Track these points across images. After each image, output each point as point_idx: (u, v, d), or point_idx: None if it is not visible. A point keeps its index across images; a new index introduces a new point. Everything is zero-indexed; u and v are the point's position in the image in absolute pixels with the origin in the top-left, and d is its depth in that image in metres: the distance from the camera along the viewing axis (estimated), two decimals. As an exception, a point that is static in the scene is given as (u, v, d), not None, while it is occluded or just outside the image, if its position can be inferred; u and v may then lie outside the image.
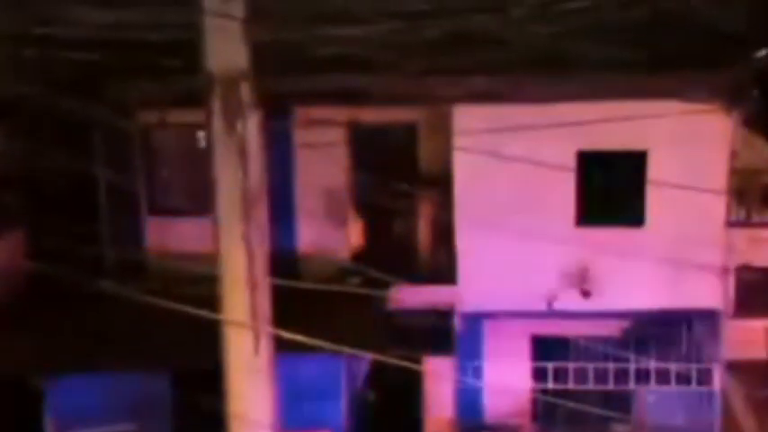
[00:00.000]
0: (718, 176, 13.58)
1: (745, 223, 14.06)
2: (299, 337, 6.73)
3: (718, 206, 13.68)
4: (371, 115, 14.16)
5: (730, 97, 13.06)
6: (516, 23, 11.17)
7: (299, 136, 14.09)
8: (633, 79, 12.54)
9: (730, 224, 13.94)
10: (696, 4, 11.89)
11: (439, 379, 14.48)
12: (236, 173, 6.67)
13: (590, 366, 14.79)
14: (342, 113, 14.06)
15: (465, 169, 13.91)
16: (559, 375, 14.88)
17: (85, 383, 11.75)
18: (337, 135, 14.22)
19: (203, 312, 6.76)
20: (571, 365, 14.87)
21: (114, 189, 13.90)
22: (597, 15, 10.33)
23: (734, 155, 13.59)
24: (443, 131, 14.05)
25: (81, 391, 11.79)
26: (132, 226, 14.28)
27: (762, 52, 12.90)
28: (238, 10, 6.73)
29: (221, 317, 6.88)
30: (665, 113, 12.64)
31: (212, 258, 6.90)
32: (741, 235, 13.88)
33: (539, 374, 14.99)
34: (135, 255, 13.64)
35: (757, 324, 13.48)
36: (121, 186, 13.76)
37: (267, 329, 6.94)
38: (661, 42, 11.31)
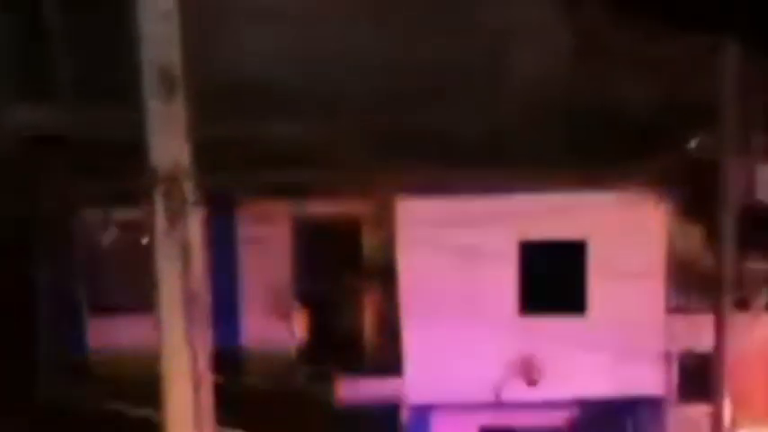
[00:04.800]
0: (656, 264, 13.86)
1: (685, 309, 14.31)
2: (244, 436, 6.65)
3: (657, 293, 13.93)
4: (315, 209, 14.25)
5: (664, 187, 13.44)
6: (457, 117, 11.46)
7: (243, 230, 14.10)
8: (571, 170, 12.85)
9: (670, 311, 14.17)
10: (629, 97, 12.32)
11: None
12: (178, 270, 6.65)
13: (538, 456, 14.72)
14: (286, 208, 14.12)
15: (409, 261, 13.99)
16: (508, 466, 14.77)
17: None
18: (281, 229, 14.26)
19: (145, 413, 6.66)
20: (520, 456, 14.79)
21: (55, 288, 13.70)
22: (535, 110, 10.66)
23: (670, 243, 13.91)
24: (387, 224, 14.17)
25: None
26: (73, 326, 14.04)
27: (692, 142, 13.35)
28: (181, 108, 6.82)
29: (163, 418, 6.78)
30: (601, 204, 12.95)
31: (156, 357, 6.82)
32: (682, 321, 14.10)
33: (488, 466, 14.87)
34: (76, 356, 13.39)
35: (700, 409, 13.61)
36: (62, 285, 13.58)
37: (211, 430, 6.85)
38: (596, 135, 11.66)
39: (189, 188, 6.78)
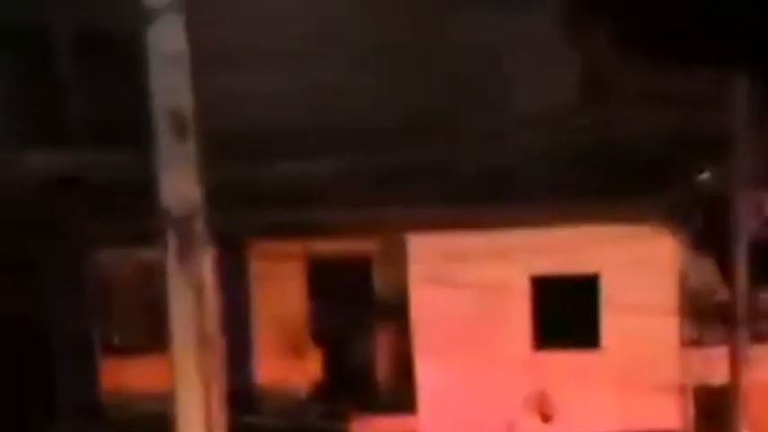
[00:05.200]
0: (670, 297, 13.82)
1: (700, 343, 14.24)
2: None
3: (671, 327, 13.87)
4: (327, 247, 14.28)
5: (675, 220, 13.44)
6: (465, 153, 11.48)
7: (255, 269, 14.13)
8: (582, 205, 12.87)
9: (685, 344, 14.10)
10: (639, 130, 12.34)
11: None
12: (191, 310, 6.67)
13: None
14: (297, 246, 14.16)
15: (421, 297, 13.98)
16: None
17: None
18: (293, 268, 14.28)
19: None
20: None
21: (68, 329, 13.73)
22: (544, 145, 10.69)
23: (683, 276, 13.88)
24: (399, 261, 14.18)
25: None
26: (87, 367, 14.04)
27: (703, 175, 13.36)
28: (192, 150, 6.88)
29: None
30: (613, 238, 12.94)
31: (169, 397, 6.83)
32: (696, 355, 14.03)
33: (504, 504, 14.72)
34: (90, 397, 13.38)
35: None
36: (76, 326, 13.60)
37: (225, 469, 6.83)
38: (607, 169, 11.68)
39: (201, 228, 6.83)
